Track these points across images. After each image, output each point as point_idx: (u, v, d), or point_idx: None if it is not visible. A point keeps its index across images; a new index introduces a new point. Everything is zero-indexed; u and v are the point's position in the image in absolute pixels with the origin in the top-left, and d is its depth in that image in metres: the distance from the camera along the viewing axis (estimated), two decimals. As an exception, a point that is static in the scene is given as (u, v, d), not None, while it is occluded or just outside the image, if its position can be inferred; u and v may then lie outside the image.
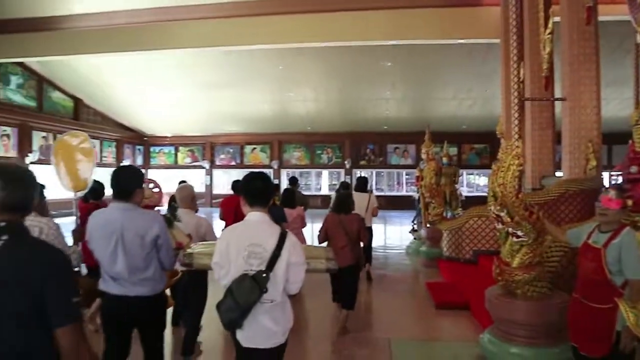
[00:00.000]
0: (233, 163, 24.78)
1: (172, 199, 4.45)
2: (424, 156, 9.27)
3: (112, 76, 17.34)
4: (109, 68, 16.57)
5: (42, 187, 3.28)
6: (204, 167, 24.41)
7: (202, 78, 16.97)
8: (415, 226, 11.97)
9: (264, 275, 2.41)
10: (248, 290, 2.38)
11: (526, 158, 3.63)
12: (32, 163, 17.10)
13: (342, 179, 22.08)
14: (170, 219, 3.58)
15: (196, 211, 4.35)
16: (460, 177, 18.59)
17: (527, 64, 7.68)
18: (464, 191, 21.42)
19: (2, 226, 1.59)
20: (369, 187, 8.03)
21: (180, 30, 12.65)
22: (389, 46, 12.84)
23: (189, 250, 3.35)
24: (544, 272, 3.87)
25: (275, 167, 23.64)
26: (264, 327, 2.48)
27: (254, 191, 2.61)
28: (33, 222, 2.81)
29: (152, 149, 25.57)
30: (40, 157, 17.71)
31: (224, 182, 24.97)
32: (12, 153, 16.77)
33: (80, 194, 4.34)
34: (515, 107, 4.27)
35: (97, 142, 21.46)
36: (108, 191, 4.40)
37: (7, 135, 16.60)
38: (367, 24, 11.61)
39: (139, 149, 25.17)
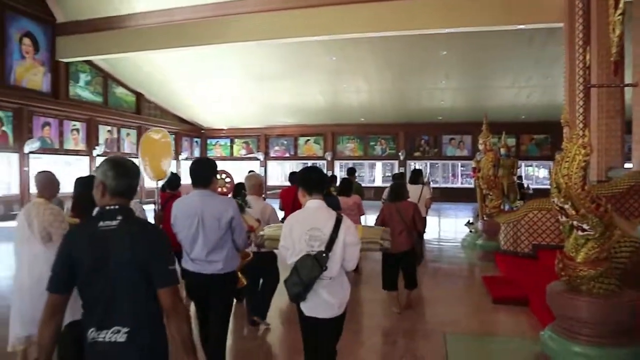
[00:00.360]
0: (287, 155, 25.08)
1: (240, 186, 4.92)
2: (481, 147, 9.00)
3: (171, 71, 17.96)
4: (168, 63, 17.18)
5: None
6: (258, 159, 24.85)
7: (257, 71, 17.24)
8: (472, 219, 11.69)
9: (324, 255, 2.77)
10: (310, 268, 2.75)
11: (592, 148, 3.42)
12: (98, 155, 18.06)
13: (396, 171, 21.88)
14: (242, 205, 4.02)
15: (263, 198, 4.73)
16: (519, 169, 17.96)
17: (593, 48, 7.24)
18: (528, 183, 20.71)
19: (116, 209, 1.93)
20: (425, 179, 8.32)
21: (236, 24, 12.90)
22: (444, 34, 12.50)
23: (261, 233, 3.84)
24: (611, 268, 3.66)
25: (329, 158, 23.72)
26: (323, 300, 2.85)
27: (311, 182, 2.98)
28: None
29: (208, 141, 26.32)
30: (106, 150, 18.64)
31: (278, 173, 25.39)
32: (81, 146, 17.75)
33: (161, 182, 4.83)
34: (580, 95, 4.04)
35: (157, 135, 22.31)
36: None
37: (77, 130, 17.58)
38: (421, 12, 11.37)
39: (197, 142, 25.97)
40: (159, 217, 4.72)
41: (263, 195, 4.87)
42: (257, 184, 4.77)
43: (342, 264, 2.88)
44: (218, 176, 3.94)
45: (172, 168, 5.21)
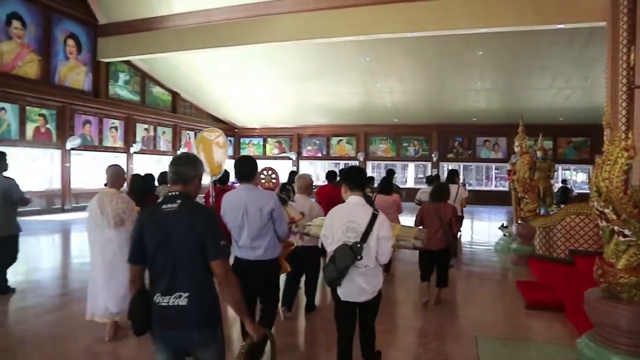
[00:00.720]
0: (319, 155, 25.15)
1: (285, 183, 5.68)
2: (516, 149, 8.83)
3: (206, 71, 18.29)
4: (203, 63, 17.50)
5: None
6: (291, 158, 25.01)
7: (290, 71, 17.36)
8: (506, 222, 11.47)
9: (359, 245, 3.11)
10: (345, 257, 3.11)
11: (635, 151, 3.32)
12: (135, 153, 18.55)
13: (429, 172, 21.70)
14: (285, 199, 4.36)
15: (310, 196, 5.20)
16: (556, 173, 17.48)
17: (638, 47, 7.00)
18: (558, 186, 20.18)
19: (176, 194, 2.36)
20: (460, 182, 8.86)
21: (271, 25, 13.03)
22: (479, 34, 12.26)
23: (308, 223, 4.34)
24: (654, 276, 3.54)
25: (361, 159, 23.66)
26: (358, 286, 3.20)
27: (354, 180, 3.37)
28: None
29: (242, 140, 26.67)
30: (143, 148, 19.14)
31: (310, 173, 25.47)
32: (119, 144, 18.28)
33: (214, 178, 5.30)
34: (623, 96, 3.92)
35: (191, 134, 22.78)
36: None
37: (115, 128, 18.11)
38: (456, 12, 11.21)
39: (230, 140, 26.31)
40: (213, 209, 4.99)
41: (312, 194, 5.32)
42: (306, 185, 5.14)
43: (376, 256, 3.20)
44: (265, 173, 4.35)
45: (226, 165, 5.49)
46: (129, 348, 4.17)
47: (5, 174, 5.77)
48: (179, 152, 21.15)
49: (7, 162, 5.85)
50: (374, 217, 3.18)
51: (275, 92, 19.89)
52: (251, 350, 2.54)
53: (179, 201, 2.33)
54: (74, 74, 16.12)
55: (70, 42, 15.84)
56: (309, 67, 16.93)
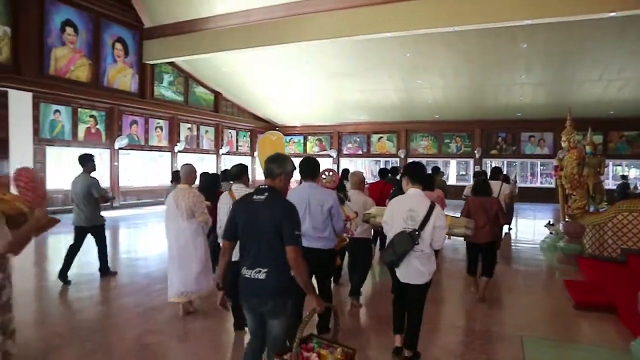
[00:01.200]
0: (360, 152, 25.08)
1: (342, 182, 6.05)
2: (564, 144, 8.53)
3: (247, 70, 18.57)
4: (244, 63, 17.78)
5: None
6: (331, 156, 25.06)
7: (330, 68, 17.40)
8: (552, 220, 11.13)
9: (417, 232, 3.57)
10: (404, 242, 3.58)
11: None
12: (179, 152, 19.06)
13: (471, 169, 21.34)
14: (342, 198, 4.81)
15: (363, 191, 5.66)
16: (606, 168, 16.79)
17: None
18: (609, 184, 19.41)
19: (265, 187, 2.87)
20: (511, 179, 9.86)
21: (311, 23, 13.11)
22: (524, 26, 11.91)
23: (368, 211, 5.07)
24: None
25: (402, 156, 23.44)
26: (415, 268, 3.66)
27: (415, 174, 3.86)
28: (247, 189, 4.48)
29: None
30: (186, 146, 19.64)
31: (351, 170, 25.41)
32: (164, 143, 18.84)
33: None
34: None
35: (233, 132, 23.21)
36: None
37: (161, 127, 18.68)
38: (500, 3, 10.93)
39: (270, 139, 26.61)
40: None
41: (364, 189, 5.94)
42: (359, 181, 5.56)
43: (431, 243, 3.62)
44: (327, 173, 4.65)
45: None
46: (174, 341, 4.32)
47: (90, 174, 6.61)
48: (221, 150, 21.63)
49: (95, 163, 6.72)
50: (431, 208, 3.62)
51: (315, 90, 19.98)
52: (319, 323, 3.52)
53: (266, 194, 2.83)
54: (122, 76, 16.73)
55: (118, 45, 16.45)
56: (349, 65, 16.91)
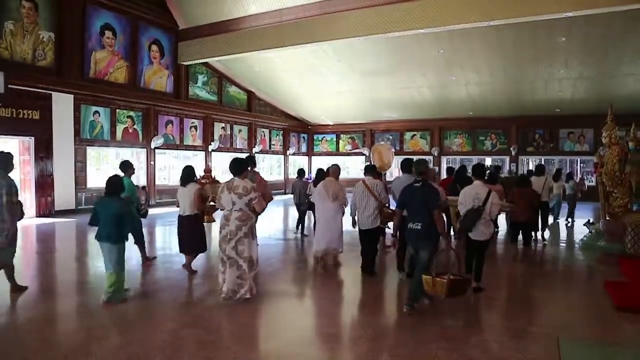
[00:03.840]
0: (393, 150, 24.80)
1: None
2: (605, 140, 8.24)
3: (280, 69, 18.71)
4: (276, 62, 17.92)
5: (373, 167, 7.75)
6: (364, 154, 24.98)
7: (363, 66, 17.35)
8: (592, 218, 10.77)
9: (482, 208, 5.64)
10: (474, 215, 5.66)
11: None
12: (213, 151, 19.38)
13: (507, 167, 20.94)
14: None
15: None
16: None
17: None
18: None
19: (420, 179, 5.12)
20: (562, 177, 11.97)
21: (343, 21, 13.11)
22: (563, 19, 11.55)
23: (448, 197, 7.25)
24: None
25: (435, 154, 23.14)
26: (480, 230, 5.73)
27: (478, 172, 6.11)
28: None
29: (315, 136, 27.01)
30: (220, 145, 19.96)
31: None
32: (198, 142, 19.21)
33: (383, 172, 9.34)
34: None
35: (266, 131, 23.43)
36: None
37: (195, 127, 19.05)
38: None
39: (304, 137, 26.79)
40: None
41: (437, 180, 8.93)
42: (432, 175, 6.61)
43: (490, 214, 5.71)
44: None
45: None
46: (209, 334, 4.40)
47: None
48: (254, 149, 21.85)
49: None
50: (489, 193, 5.72)
51: (347, 88, 19.95)
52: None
53: (421, 182, 5.12)
54: (158, 77, 17.14)
55: (154, 47, 16.88)
56: (381, 62, 16.82)
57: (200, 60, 17.84)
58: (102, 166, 16.00)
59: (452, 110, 21.34)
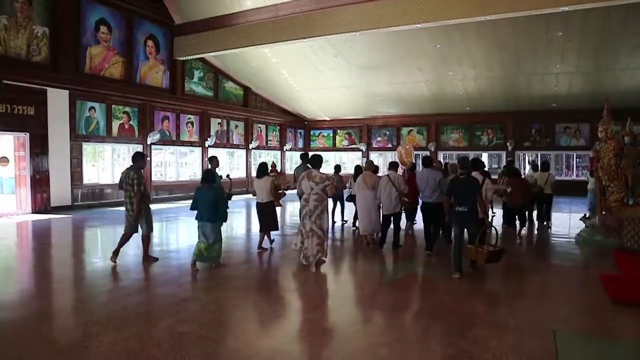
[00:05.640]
0: (389, 145, 24.89)
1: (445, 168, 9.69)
2: (601, 135, 8.27)
3: (276, 64, 18.65)
4: (273, 57, 17.86)
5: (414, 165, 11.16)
6: (361, 150, 24.98)
7: (359, 61, 17.30)
8: (588, 213, 10.81)
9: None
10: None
11: None
12: (209, 146, 19.33)
13: (504, 162, 20.97)
14: (446, 175, 8.51)
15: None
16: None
17: None
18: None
19: (464, 172, 6.43)
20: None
21: (338, 16, 13.07)
22: (559, 13, 11.54)
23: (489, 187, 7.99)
24: None
25: (432, 149, 23.14)
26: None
27: (478, 163, 8.27)
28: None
29: (312, 132, 26.99)
30: (217, 141, 19.91)
31: (379, 163, 25.34)
32: (195, 138, 19.15)
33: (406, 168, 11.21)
34: None
35: (263, 127, 23.38)
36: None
37: (192, 122, 18.99)
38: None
39: (300, 132, 26.76)
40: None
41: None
42: (453, 167, 7.75)
43: (485, 195, 7.35)
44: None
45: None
46: (206, 330, 4.40)
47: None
48: (251, 145, 21.82)
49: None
50: (484, 180, 7.38)
51: (344, 83, 19.92)
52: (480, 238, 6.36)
53: (465, 175, 6.36)
54: (153, 72, 17.07)
55: (150, 42, 16.79)
56: (378, 57, 16.79)
57: (196, 56, 17.73)
58: (97, 162, 15.97)
59: (449, 105, 21.33)
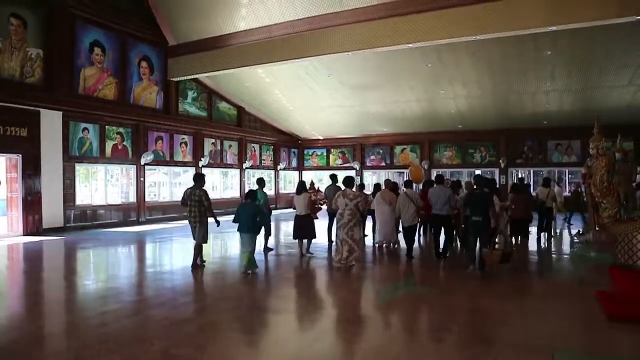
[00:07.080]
0: (383, 164, 24.99)
1: (455, 184, 10.99)
2: (592, 152, 8.33)
3: (269, 85, 18.79)
4: (266, 78, 18.00)
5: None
6: (354, 168, 25.04)
7: (352, 81, 17.47)
8: (582, 229, 10.84)
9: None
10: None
11: None
12: (203, 166, 19.30)
13: (498, 179, 21.08)
14: (456, 191, 10.12)
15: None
16: (639, 175, 16.28)
17: None
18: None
19: (482, 190, 7.90)
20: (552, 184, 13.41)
21: (331, 37, 13.23)
22: (548, 33, 11.75)
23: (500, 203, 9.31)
24: None
25: (426, 167, 23.21)
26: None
27: (482, 181, 8.33)
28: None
29: (305, 151, 27.04)
30: (210, 161, 19.88)
31: (372, 182, 25.36)
32: (188, 158, 19.13)
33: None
34: None
35: (256, 146, 23.41)
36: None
37: (185, 143, 18.99)
38: (522, 11, 10.84)
39: (294, 152, 26.81)
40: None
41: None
42: (470, 185, 9.19)
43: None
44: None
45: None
46: (200, 354, 4.33)
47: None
48: (244, 165, 21.82)
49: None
50: (492, 196, 8.23)
51: (337, 102, 20.06)
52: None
53: (479, 190, 7.83)
54: (147, 93, 17.12)
55: (144, 64, 16.88)
56: (371, 77, 16.96)
57: (190, 77, 17.83)
58: (90, 183, 15.89)
59: (442, 123, 21.51)
